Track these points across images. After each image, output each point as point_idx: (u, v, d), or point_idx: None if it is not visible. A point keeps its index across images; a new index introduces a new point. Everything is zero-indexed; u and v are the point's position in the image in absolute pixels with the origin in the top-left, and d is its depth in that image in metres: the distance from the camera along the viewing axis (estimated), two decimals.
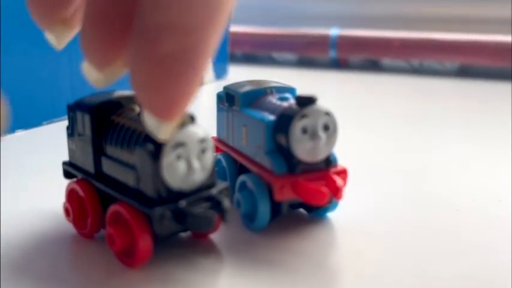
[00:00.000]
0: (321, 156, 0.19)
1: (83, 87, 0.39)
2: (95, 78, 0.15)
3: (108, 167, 0.18)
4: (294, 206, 0.21)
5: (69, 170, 0.20)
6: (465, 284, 0.17)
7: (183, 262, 0.18)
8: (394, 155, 0.31)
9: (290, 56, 0.72)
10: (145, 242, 0.17)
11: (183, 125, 0.16)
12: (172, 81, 0.13)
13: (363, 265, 0.18)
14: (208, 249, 0.19)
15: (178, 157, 0.16)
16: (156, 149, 0.16)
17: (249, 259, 0.18)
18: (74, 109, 0.19)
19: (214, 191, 0.18)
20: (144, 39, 0.13)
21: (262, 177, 0.20)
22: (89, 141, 0.19)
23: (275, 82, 0.23)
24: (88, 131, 0.19)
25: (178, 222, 0.17)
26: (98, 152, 0.19)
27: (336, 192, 0.19)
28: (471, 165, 0.29)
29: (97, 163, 0.19)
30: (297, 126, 0.19)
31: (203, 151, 0.17)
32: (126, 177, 0.18)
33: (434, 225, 0.21)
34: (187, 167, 0.17)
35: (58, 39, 0.17)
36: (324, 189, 0.18)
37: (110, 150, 0.18)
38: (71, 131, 0.20)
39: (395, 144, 0.33)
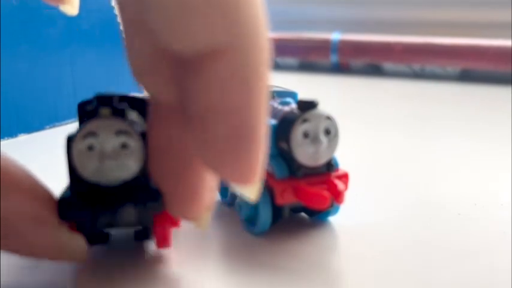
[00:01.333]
0: (322, 160, 0.19)
1: (86, 91, 0.40)
2: (246, 193, 0.15)
3: None
4: (296, 210, 0.21)
5: None
6: None
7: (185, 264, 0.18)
8: (396, 159, 0.31)
9: (292, 61, 0.72)
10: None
11: (101, 116, 0.15)
12: (236, 157, 0.14)
13: (364, 269, 0.18)
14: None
15: (90, 148, 0.15)
16: (71, 136, 0.15)
17: (250, 263, 0.18)
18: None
19: (139, 197, 0.16)
20: (198, 125, 0.13)
21: (264, 181, 0.20)
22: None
23: (276, 86, 0.23)
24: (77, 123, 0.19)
25: (79, 216, 0.16)
26: None
27: (337, 196, 0.19)
28: (472, 169, 0.29)
29: None
30: (298, 130, 0.19)
31: (124, 146, 0.15)
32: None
33: (435, 229, 0.21)
34: (100, 159, 0.15)
35: (72, 6, 0.20)
36: (325, 193, 0.19)
37: None
38: None
39: (397, 148, 0.33)
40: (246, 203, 0.20)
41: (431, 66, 0.64)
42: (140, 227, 0.18)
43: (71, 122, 0.39)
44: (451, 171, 0.28)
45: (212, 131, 0.13)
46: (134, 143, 0.15)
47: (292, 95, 0.22)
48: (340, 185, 0.19)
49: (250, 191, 0.15)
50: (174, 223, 0.18)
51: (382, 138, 0.36)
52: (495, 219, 0.22)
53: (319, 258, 0.19)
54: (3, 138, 0.34)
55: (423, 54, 0.61)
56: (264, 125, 0.14)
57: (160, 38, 0.13)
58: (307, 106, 0.19)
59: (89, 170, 0.15)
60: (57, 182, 0.21)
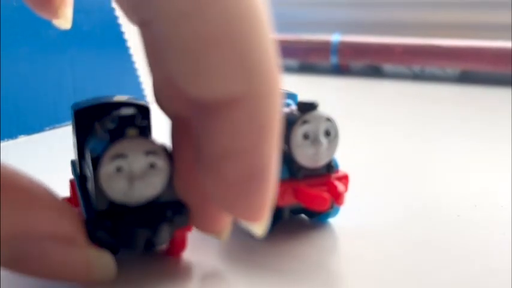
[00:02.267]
0: (322, 161, 0.19)
1: (86, 92, 0.40)
2: (254, 229, 0.16)
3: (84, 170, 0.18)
4: (296, 211, 0.21)
5: (72, 168, 0.20)
6: None
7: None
8: (395, 161, 0.31)
9: (292, 62, 0.72)
10: None
11: (128, 136, 0.15)
12: (248, 197, 0.14)
13: (364, 270, 0.18)
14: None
15: (119, 169, 0.15)
16: (97, 157, 0.15)
17: (249, 264, 0.18)
18: (71, 110, 0.19)
19: (167, 212, 0.16)
20: (212, 168, 0.14)
21: None
22: (75, 143, 0.19)
23: None
24: (73, 132, 0.19)
25: (112, 236, 0.16)
26: (80, 156, 0.18)
27: (337, 198, 0.19)
28: (472, 170, 0.29)
29: (80, 166, 0.19)
30: (298, 131, 0.19)
31: (152, 166, 0.15)
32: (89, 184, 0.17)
33: (435, 230, 0.21)
34: (129, 181, 0.15)
35: (66, 21, 0.21)
36: (325, 195, 0.19)
37: (86, 155, 0.18)
38: None
39: (396, 149, 0.33)
40: None
41: (431, 68, 0.64)
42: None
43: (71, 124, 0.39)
44: (451, 173, 0.28)
45: (225, 173, 0.14)
46: (162, 163, 0.16)
47: (292, 96, 0.22)
48: (340, 186, 0.19)
49: (258, 228, 0.16)
50: (189, 228, 0.18)
51: (382, 140, 0.36)
52: (495, 220, 0.22)
53: (319, 260, 0.19)
54: (3, 139, 0.34)
55: (423, 56, 0.61)
56: (275, 166, 0.14)
57: (177, 82, 0.13)
58: (307, 107, 0.19)
59: (117, 192, 0.15)
60: (57, 183, 0.21)
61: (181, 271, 0.18)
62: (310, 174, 0.20)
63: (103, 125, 0.17)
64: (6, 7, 0.34)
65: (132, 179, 0.15)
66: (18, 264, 0.14)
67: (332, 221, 0.21)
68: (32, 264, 0.14)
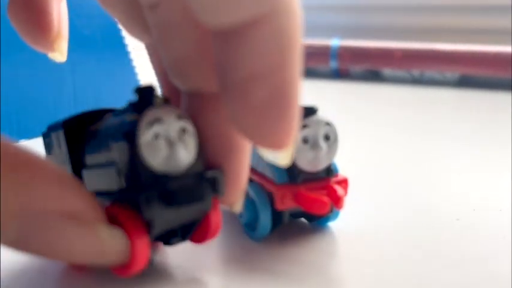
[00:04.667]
0: (321, 165, 0.20)
1: (86, 97, 0.40)
2: (279, 158, 0.15)
3: (88, 178, 0.17)
4: (295, 215, 0.21)
5: None
6: None
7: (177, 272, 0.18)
8: (395, 165, 0.31)
9: None
10: (141, 244, 0.15)
11: (157, 106, 0.15)
12: (275, 119, 0.14)
13: (363, 274, 0.18)
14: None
15: (157, 136, 0.15)
16: (131, 129, 0.15)
17: (249, 268, 0.18)
18: (49, 133, 0.18)
19: (208, 174, 0.16)
20: (237, 93, 0.14)
21: (264, 186, 0.20)
22: (66, 157, 0.18)
23: None
24: (64, 147, 0.18)
25: (169, 204, 0.15)
26: (77, 166, 0.18)
27: (336, 202, 0.19)
28: (471, 174, 0.29)
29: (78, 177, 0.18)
30: (298, 136, 0.19)
31: (184, 130, 0.15)
32: (109, 179, 0.16)
33: (434, 234, 0.21)
34: (169, 145, 0.15)
35: (61, 54, 0.20)
36: (325, 199, 0.19)
37: (89, 159, 0.17)
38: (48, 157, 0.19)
39: (396, 153, 0.33)
40: (246, 209, 0.20)
41: (430, 72, 0.64)
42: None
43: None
44: (450, 177, 0.28)
45: (250, 96, 0.13)
46: (191, 127, 0.15)
47: None
48: (339, 190, 0.19)
49: (283, 156, 0.15)
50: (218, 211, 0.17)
51: (382, 144, 0.36)
52: (494, 224, 0.22)
53: (318, 264, 0.19)
54: None
55: (422, 60, 0.61)
56: (300, 88, 0.14)
57: (204, 20, 0.13)
58: (307, 112, 0.19)
59: (159, 158, 0.15)
60: None
61: (180, 273, 0.18)
62: (309, 178, 0.20)
63: (116, 111, 0.16)
64: (7, 12, 0.34)
65: (172, 144, 0.15)
66: (24, 244, 0.13)
67: (332, 224, 0.22)
68: (38, 243, 0.13)
